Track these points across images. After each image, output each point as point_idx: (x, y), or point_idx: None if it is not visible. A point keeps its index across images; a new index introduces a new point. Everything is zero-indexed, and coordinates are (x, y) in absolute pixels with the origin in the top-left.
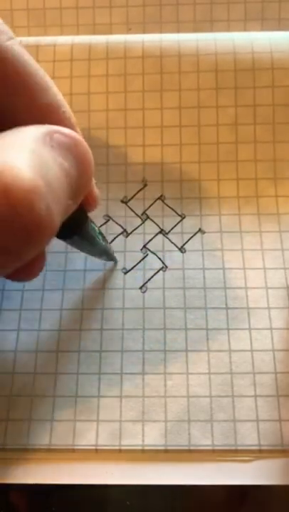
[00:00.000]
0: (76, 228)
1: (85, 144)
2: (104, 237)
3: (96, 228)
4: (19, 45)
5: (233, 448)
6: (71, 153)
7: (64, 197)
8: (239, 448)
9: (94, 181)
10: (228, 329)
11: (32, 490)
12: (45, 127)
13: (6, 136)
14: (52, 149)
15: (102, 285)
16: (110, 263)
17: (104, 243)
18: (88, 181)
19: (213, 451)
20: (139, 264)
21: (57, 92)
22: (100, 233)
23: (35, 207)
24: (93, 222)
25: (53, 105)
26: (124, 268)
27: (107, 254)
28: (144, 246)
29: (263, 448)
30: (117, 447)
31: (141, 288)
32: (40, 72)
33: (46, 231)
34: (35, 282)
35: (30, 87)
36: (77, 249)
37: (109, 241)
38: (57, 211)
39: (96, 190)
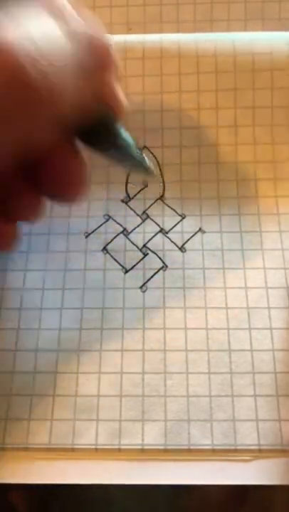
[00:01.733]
0: (110, 136)
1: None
2: (139, 148)
3: (129, 138)
4: None
5: (233, 448)
6: (87, 40)
7: (70, 73)
8: (239, 448)
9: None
10: (228, 329)
11: (32, 490)
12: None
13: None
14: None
15: (102, 285)
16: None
17: (139, 153)
18: (106, 65)
19: (213, 450)
20: (139, 264)
21: None
22: (136, 143)
23: (23, 68)
24: (126, 131)
25: None
26: (124, 268)
27: (143, 166)
28: (144, 245)
29: (262, 448)
30: (116, 447)
31: (141, 287)
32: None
33: (43, 98)
34: (36, 281)
35: None
36: (115, 162)
37: (109, 241)
38: (59, 85)
39: (120, 91)
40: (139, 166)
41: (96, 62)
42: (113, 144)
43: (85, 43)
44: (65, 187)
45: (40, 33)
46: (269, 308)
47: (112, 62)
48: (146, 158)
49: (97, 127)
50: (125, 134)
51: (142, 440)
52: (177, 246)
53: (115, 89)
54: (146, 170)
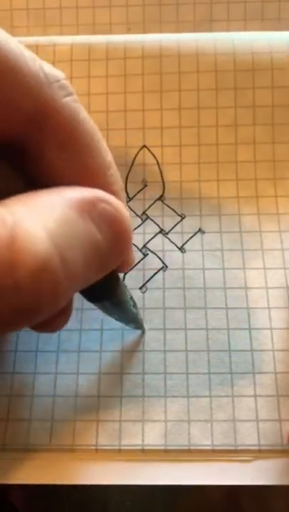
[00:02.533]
0: (106, 293)
1: (128, 216)
2: (134, 303)
3: (127, 293)
4: (77, 101)
5: (233, 448)
6: (111, 226)
7: (85, 273)
8: (239, 448)
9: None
10: (228, 329)
11: (32, 490)
12: (89, 192)
13: (40, 195)
14: (87, 219)
15: None
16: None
17: (134, 311)
18: (122, 255)
19: (213, 451)
20: (139, 264)
21: (107, 154)
22: (132, 298)
23: (39, 287)
24: (125, 287)
25: (101, 167)
26: None
27: (135, 322)
28: (144, 246)
29: (262, 448)
30: (116, 447)
31: (141, 288)
32: (92, 131)
33: (44, 310)
34: None
35: (80, 146)
36: (105, 313)
37: None
38: (69, 288)
39: (132, 255)
40: (132, 320)
41: (113, 248)
42: (109, 300)
43: (108, 233)
44: (51, 326)
45: (63, 232)
46: (269, 308)
47: (130, 241)
48: (139, 314)
49: (96, 288)
50: (123, 290)
51: (142, 441)
52: (177, 246)
53: (128, 257)
54: (138, 324)
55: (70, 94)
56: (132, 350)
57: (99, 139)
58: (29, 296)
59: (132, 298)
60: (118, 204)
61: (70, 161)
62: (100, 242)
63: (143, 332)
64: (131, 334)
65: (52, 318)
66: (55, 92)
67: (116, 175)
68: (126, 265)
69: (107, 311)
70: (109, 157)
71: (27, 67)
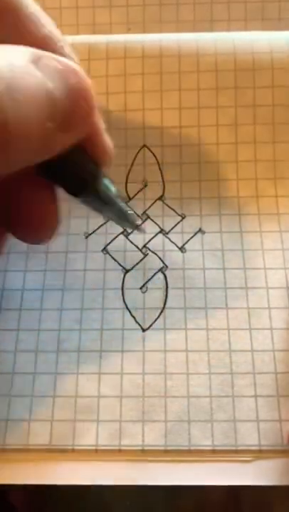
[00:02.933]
0: (85, 182)
1: (83, 74)
2: (124, 201)
3: (113, 189)
4: None
5: (234, 448)
6: (61, 78)
7: (37, 117)
8: (239, 448)
9: (103, 126)
10: (228, 329)
11: (32, 490)
12: (36, 50)
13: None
14: (37, 68)
15: (102, 285)
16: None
17: (123, 207)
18: (85, 112)
19: (214, 451)
20: (140, 264)
21: (53, 27)
22: (119, 196)
23: None
24: (111, 182)
25: (48, 39)
26: (124, 268)
27: (126, 220)
28: (145, 246)
29: (263, 448)
30: (117, 447)
31: (141, 288)
32: (33, 5)
33: (11, 139)
34: (35, 282)
35: (22, 18)
36: (93, 210)
37: (109, 241)
38: (23, 130)
39: (107, 140)
40: (122, 217)
41: (73, 105)
42: (92, 193)
43: (60, 81)
44: (38, 231)
45: (15, 69)
46: (269, 308)
47: (91, 104)
48: (131, 210)
49: (76, 176)
50: (106, 182)
51: (143, 441)
52: (177, 246)
53: (100, 135)
54: (129, 222)
55: None
56: (132, 350)
57: (40, 13)
58: None
59: (120, 195)
60: (65, 60)
61: (14, 35)
62: (50, 90)
63: (140, 231)
64: (131, 334)
65: (37, 221)
66: None
67: (68, 46)
68: (102, 151)
69: (92, 205)
70: (56, 31)
71: None
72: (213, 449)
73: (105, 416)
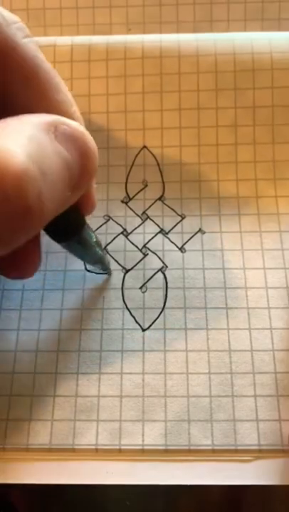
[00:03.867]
0: (72, 231)
1: (90, 138)
2: (101, 247)
3: (94, 236)
4: (35, 44)
5: (233, 448)
6: (74, 145)
7: (61, 187)
8: (239, 448)
9: (95, 185)
10: (228, 329)
11: (32, 490)
12: (51, 116)
13: (9, 121)
14: (53, 138)
15: (102, 285)
16: (103, 277)
17: (100, 252)
18: (90, 175)
19: (213, 451)
20: (139, 264)
21: (67, 92)
22: (97, 242)
23: (24, 192)
24: (91, 230)
25: (64, 103)
26: (124, 268)
27: (101, 264)
28: (144, 245)
29: (262, 448)
30: (117, 447)
31: (141, 288)
32: (53, 71)
33: (34, 218)
34: (35, 282)
35: (44, 83)
36: (72, 254)
37: (109, 241)
38: (51, 200)
39: (95, 194)
40: (98, 262)
41: (81, 164)
42: (75, 240)
43: (73, 147)
44: (21, 270)
45: (36, 147)
46: (269, 308)
47: (95, 158)
48: (107, 258)
49: (63, 226)
50: (88, 231)
51: (142, 440)
52: (177, 246)
53: (91, 192)
54: (104, 267)
55: (28, 35)
56: (131, 350)
57: (59, 79)
58: (17, 203)
59: (98, 242)
60: (77, 125)
61: (34, 96)
62: (68, 159)
63: (109, 274)
64: (131, 334)
65: (24, 260)
66: (15, 33)
67: (78, 113)
68: (90, 204)
69: (73, 251)
70: (70, 96)
71: None
72: (213, 448)
73: (105, 416)
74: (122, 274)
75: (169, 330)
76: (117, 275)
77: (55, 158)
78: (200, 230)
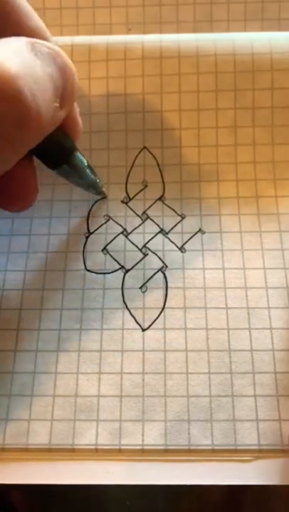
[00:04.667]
0: (64, 156)
1: (66, 56)
2: (93, 171)
3: (84, 161)
4: None
5: (233, 448)
6: (54, 61)
7: (49, 96)
8: (239, 448)
9: (77, 108)
10: (228, 329)
11: (32, 490)
12: (27, 38)
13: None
14: (35, 55)
15: (102, 285)
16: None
17: (93, 176)
18: (73, 88)
19: (213, 450)
20: (139, 264)
21: (40, 20)
22: (89, 166)
23: (21, 93)
24: (82, 155)
25: (38, 29)
26: (124, 268)
27: (95, 188)
28: (145, 245)
29: (262, 448)
30: (116, 447)
31: (141, 287)
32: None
33: (33, 117)
34: (35, 282)
35: (16, 12)
36: (66, 179)
37: (109, 241)
38: (44, 106)
39: (79, 118)
40: (92, 185)
41: (63, 78)
42: (68, 165)
43: (53, 63)
44: (19, 200)
45: (23, 59)
46: (269, 308)
47: (74, 72)
48: (98, 179)
49: (55, 151)
50: (79, 155)
51: (142, 440)
52: (177, 246)
53: (76, 111)
54: (97, 190)
55: None
56: (131, 350)
57: (30, 7)
58: (16, 105)
59: (89, 166)
60: (52, 45)
61: (7, 26)
62: (49, 72)
63: (104, 197)
64: (131, 333)
65: (19, 191)
66: None
67: (52, 38)
68: (76, 129)
69: (66, 176)
70: (42, 23)
71: None
72: (213, 448)
73: (105, 415)
74: (122, 274)
75: (169, 330)
76: (117, 275)
77: (39, 69)
78: (200, 230)
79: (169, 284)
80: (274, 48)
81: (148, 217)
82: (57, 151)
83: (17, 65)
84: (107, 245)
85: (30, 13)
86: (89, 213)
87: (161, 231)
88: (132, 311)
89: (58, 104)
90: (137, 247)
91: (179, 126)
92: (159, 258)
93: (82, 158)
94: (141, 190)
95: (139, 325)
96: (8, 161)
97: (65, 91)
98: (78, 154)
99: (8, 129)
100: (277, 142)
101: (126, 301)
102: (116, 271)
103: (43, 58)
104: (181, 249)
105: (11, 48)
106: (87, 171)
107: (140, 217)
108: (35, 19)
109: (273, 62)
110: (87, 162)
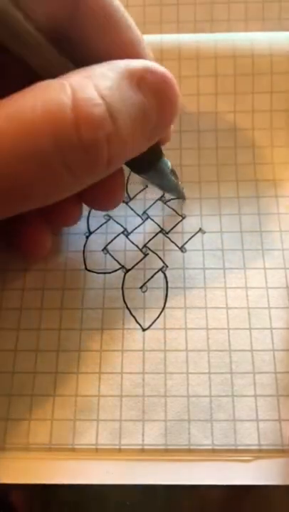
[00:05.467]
0: (152, 162)
1: (175, 86)
2: (175, 174)
3: (169, 164)
4: None
5: (233, 448)
6: (157, 95)
7: (136, 138)
8: (239, 448)
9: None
10: (228, 329)
11: (32, 490)
12: (137, 63)
13: (95, 67)
14: (137, 89)
15: (102, 285)
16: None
17: (175, 180)
18: (168, 124)
19: (213, 450)
20: (140, 264)
21: (137, 30)
22: (172, 170)
23: (98, 142)
24: (168, 160)
25: (135, 41)
26: (124, 268)
27: (176, 191)
28: (145, 245)
29: (262, 448)
30: (117, 446)
31: (141, 287)
32: (123, 11)
33: (100, 167)
34: (35, 281)
35: (116, 22)
36: (150, 183)
37: (109, 241)
38: (121, 148)
39: (172, 127)
40: (174, 189)
41: (161, 115)
42: (154, 169)
43: (155, 101)
44: (109, 201)
45: (117, 98)
46: (269, 308)
47: (177, 108)
48: (181, 183)
49: (144, 159)
50: (165, 159)
51: (142, 440)
52: (177, 246)
53: (169, 130)
54: (179, 193)
55: None
56: (132, 350)
57: (129, 16)
58: (90, 150)
59: (172, 170)
60: (165, 73)
61: (109, 37)
62: (148, 110)
63: (183, 199)
64: (131, 333)
65: (106, 194)
66: None
67: (148, 48)
68: (167, 138)
69: (151, 179)
70: (139, 32)
71: None
72: (213, 448)
73: (105, 415)
74: (123, 274)
75: (169, 330)
76: (117, 275)
77: (134, 109)
78: (200, 230)
79: (169, 284)
80: (274, 50)
81: (148, 217)
82: (146, 158)
83: (105, 109)
84: (107, 245)
85: (132, 25)
86: (89, 213)
87: (162, 231)
88: (132, 310)
89: (144, 140)
90: (137, 246)
91: (180, 129)
92: (160, 258)
93: (167, 163)
94: (141, 190)
95: (140, 325)
96: (71, 190)
97: (158, 128)
98: (164, 159)
99: (78, 173)
100: (276, 145)
101: (126, 300)
102: (116, 271)
103: (146, 90)
104: (182, 249)
105: (109, 79)
106: (170, 174)
107: (140, 217)
108: (136, 32)
109: (273, 64)
110: (171, 166)
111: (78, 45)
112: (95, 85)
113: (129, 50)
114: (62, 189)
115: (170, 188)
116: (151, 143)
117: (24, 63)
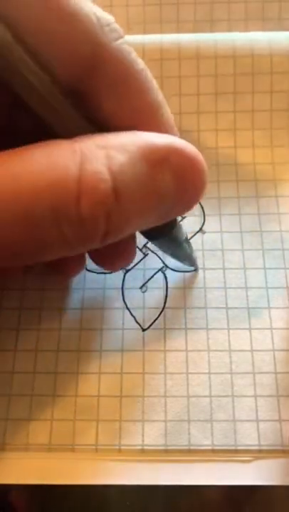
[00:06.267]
0: (164, 233)
1: (203, 172)
2: (189, 243)
3: (184, 233)
4: (126, 43)
5: (233, 448)
6: (180, 180)
7: (141, 215)
8: (239, 448)
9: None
10: (228, 329)
11: (31, 490)
12: (163, 142)
13: (115, 137)
14: (154, 171)
15: (102, 285)
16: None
17: (188, 249)
18: (190, 208)
19: (213, 451)
20: (140, 264)
21: (158, 93)
22: (186, 239)
23: (96, 218)
24: (181, 227)
25: (153, 107)
26: (124, 268)
27: (189, 260)
28: (145, 245)
29: (262, 448)
30: (116, 447)
31: (141, 287)
32: (145, 72)
33: (95, 237)
34: (35, 282)
35: (134, 88)
36: (161, 250)
37: None
38: (123, 226)
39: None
40: (187, 258)
41: (177, 203)
42: (168, 236)
43: (174, 185)
44: (118, 262)
45: (129, 177)
46: (269, 308)
47: (201, 195)
48: (194, 253)
49: (156, 227)
50: (179, 230)
51: (142, 440)
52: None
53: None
54: (192, 263)
55: (120, 36)
56: (131, 350)
57: (151, 78)
58: (86, 223)
59: (187, 238)
60: (193, 155)
61: (126, 101)
62: (164, 193)
63: (196, 270)
64: (131, 333)
65: (115, 255)
66: (108, 35)
67: (167, 113)
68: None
69: (162, 247)
70: (160, 97)
71: (82, 12)
72: (213, 448)
73: (105, 416)
74: (122, 274)
75: (169, 330)
76: (117, 275)
77: (146, 190)
78: (200, 230)
79: (169, 284)
80: (274, 50)
81: None
82: (157, 228)
83: (108, 187)
84: None
85: (151, 89)
86: None
87: None
88: (132, 311)
89: (157, 221)
90: (137, 246)
91: (180, 129)
92: (159, 258)
93: (182, 231)
94: None
95: (140, 325)
96: (66, 254)
97: (173, 211)
98: (178, 226)
99: (72, 242)
100: (276, 145)
101: (126, 301)
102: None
103: (166, 172)
104: None
105: (127, 155)
106: (184, 244)
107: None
108: (154, 97)
109: (273, 64)
110: (186, 234)
111: (92, 102)
112: (107, 157)
113: (148, 114)
114: (56, 253)
115: (182, 257)
116: (165, 221)
117: (38, 116)
